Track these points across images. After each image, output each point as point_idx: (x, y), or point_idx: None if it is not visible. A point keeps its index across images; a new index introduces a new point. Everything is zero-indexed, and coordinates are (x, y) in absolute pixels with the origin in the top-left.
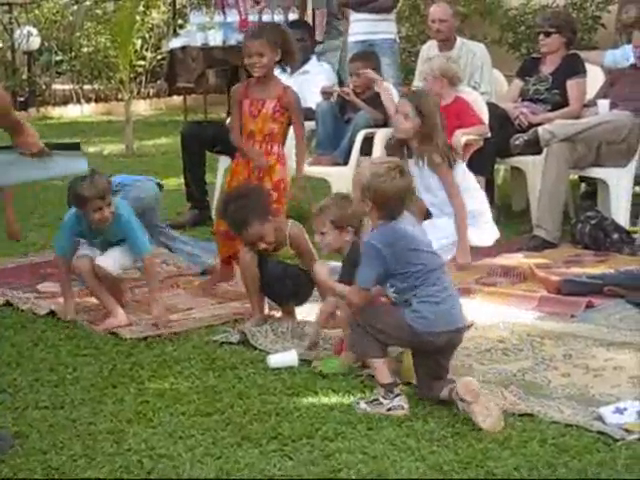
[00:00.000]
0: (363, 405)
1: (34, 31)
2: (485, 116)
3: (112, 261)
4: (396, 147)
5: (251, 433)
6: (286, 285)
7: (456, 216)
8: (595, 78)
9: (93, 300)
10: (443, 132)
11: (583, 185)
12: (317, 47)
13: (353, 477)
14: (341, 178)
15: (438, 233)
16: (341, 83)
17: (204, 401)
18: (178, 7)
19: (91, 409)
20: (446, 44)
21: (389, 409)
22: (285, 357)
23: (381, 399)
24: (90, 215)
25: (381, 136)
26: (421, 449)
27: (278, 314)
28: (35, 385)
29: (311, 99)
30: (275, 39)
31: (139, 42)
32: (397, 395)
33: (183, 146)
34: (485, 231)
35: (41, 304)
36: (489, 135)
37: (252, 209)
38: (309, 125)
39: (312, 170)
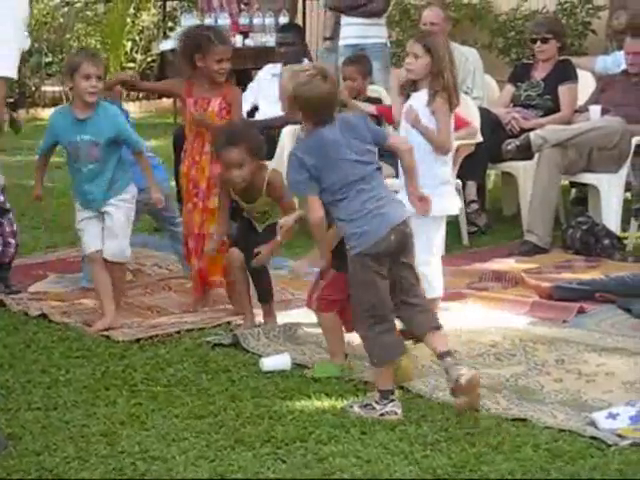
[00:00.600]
0: (356, 409)
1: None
2: (477, 121)
3: (119, 248)
4: (406, 87)
5: (244, 436)
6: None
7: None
8: (586, 84)
9: (86, 302)
10: (453, 71)
11: (573, 191)
12: (325, 43)
13: None
14: None
15: None
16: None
17: (197, 404)
18: (168, 10)
19: (84, 411)
20: None
21: (382, 414)
22: (278, 360)
23: (374, 404)
24: (79, 86)
25: None
26: (414, 453)
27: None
28: (27, 387)
29: None
30: None
31: (129, 44)
32: (391, 401)
33: (175, 147)
34: (452, 199)
35: (33, 305)
36: (480, 138)
37: (248, 137)
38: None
39: None
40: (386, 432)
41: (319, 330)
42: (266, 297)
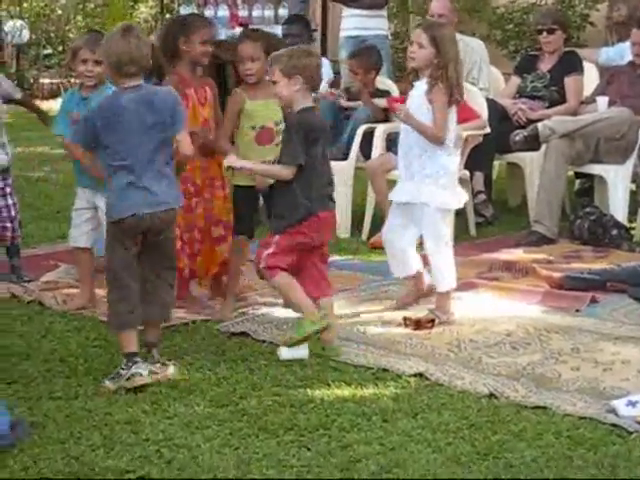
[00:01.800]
0: (107, 383)
1: (24, 24)
2: (484, 112)
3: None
4: (408, 75)
5: (267, 424)
6: None
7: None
8: (589, 76)
9: (99, 292)
10: (457, 66)
11: (578, 181)
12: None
13: (372, 467)
14: (340, 173)
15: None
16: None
17: (218, 392)
18: (166, 2)
19: (106, 400)
20: None
21: (129, 378)
22: (296, 349)
23: (120, 370)
24: (78, 69)
25: (381, 131)
26: (438, 441)
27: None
28: (47, 376)
29: None
30: None
31: None
32: (135, 363)
33: None
34: (457, 193)
35: (46, 295)
36: (488, 130)
37: (268, 38)
38: None
39: None
40: (408, 420)
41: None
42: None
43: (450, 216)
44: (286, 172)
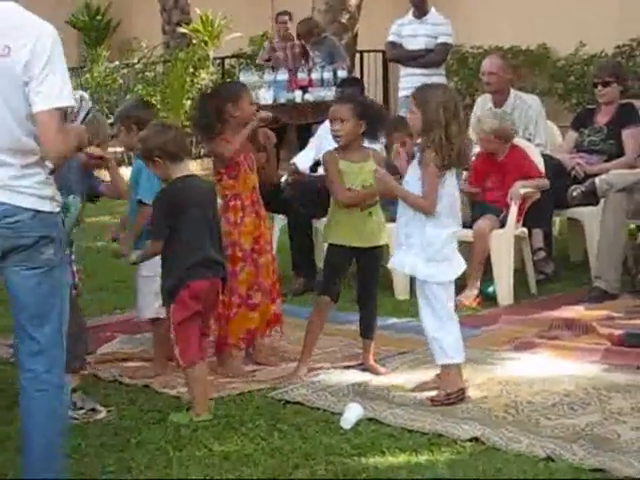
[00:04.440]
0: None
1: (86, 95)
2: (541, 168)
3: (138, 306)
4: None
5: None
6: None
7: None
8: None
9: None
10: (444, 129)
11: None
12: None
13: None
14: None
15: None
16: None
17: (271, 463)
18: (227, 67)
19: (157, 474)
20: (498, 97)
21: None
22: (353, 412)
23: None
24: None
25: None
26: None
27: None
28: (100, 450)
29: None
30: None
31: (188, 103)
32: None
33: None
34: (449, 265)
35: (102, 368)
36: (547, 186)
37: (360, 102)
38: None
39: None
40: None
41: (388, 384)
42: (370, 333)
43: (448, 288)
44: (154, 246)
